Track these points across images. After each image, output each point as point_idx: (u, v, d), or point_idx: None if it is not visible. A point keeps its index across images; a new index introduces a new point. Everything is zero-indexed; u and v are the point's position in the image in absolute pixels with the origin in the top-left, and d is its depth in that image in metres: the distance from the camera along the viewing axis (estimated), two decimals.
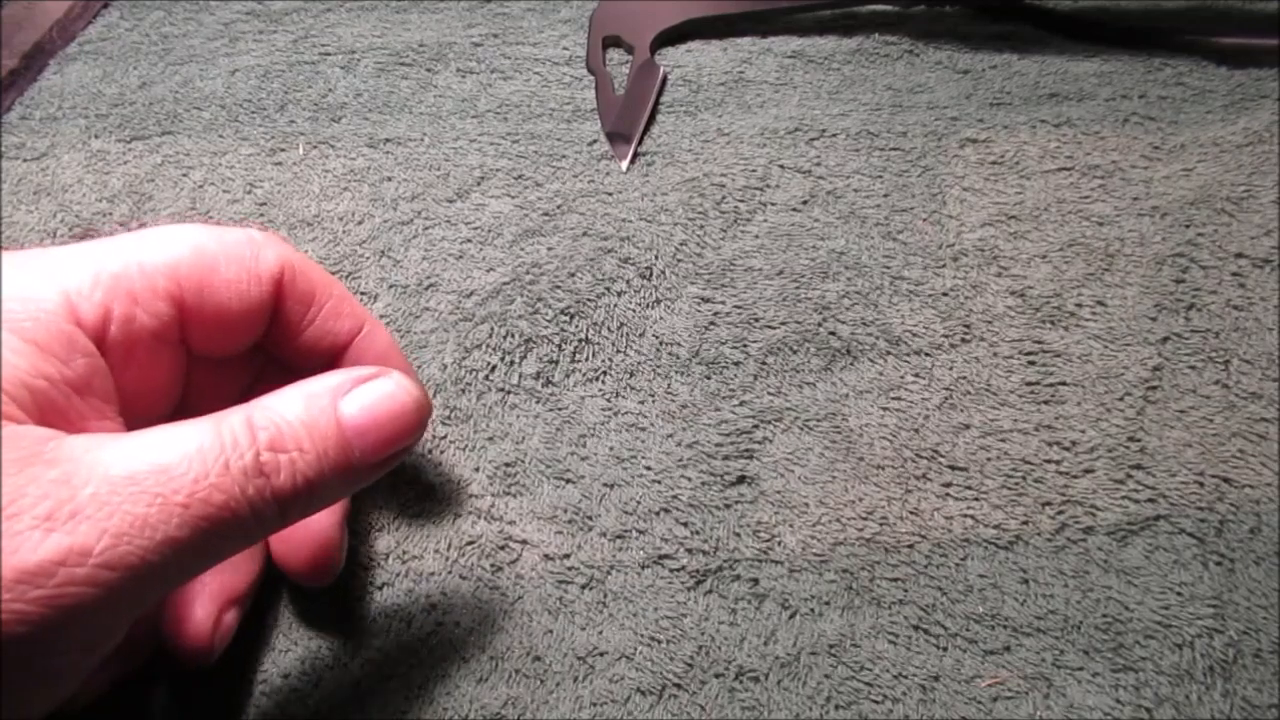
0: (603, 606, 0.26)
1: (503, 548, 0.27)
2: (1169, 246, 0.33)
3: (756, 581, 0.27)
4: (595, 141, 0.38)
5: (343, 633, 0.26)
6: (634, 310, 0.33)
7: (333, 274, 0.34)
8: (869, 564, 0.27)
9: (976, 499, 0.28)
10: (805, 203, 0.36)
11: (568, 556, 0.27)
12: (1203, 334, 0.31)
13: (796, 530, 0.28)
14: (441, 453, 0.29)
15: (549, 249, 0.34)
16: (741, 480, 0.28)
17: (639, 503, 0.28)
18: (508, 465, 0.29)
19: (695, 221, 0.35)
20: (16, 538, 0.16)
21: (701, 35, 0.43)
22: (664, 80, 0.40)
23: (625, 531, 0.28)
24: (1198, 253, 0.33)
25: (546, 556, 0.27)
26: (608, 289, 0.33)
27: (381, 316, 0.33)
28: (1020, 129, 0.38)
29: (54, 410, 0.19)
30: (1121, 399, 0.30)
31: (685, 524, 0.28)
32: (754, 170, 0.36)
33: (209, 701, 0.25)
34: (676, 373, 0.31)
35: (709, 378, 0.31)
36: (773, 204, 0.36)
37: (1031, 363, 0.31)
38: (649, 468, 0.29)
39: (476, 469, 0.29)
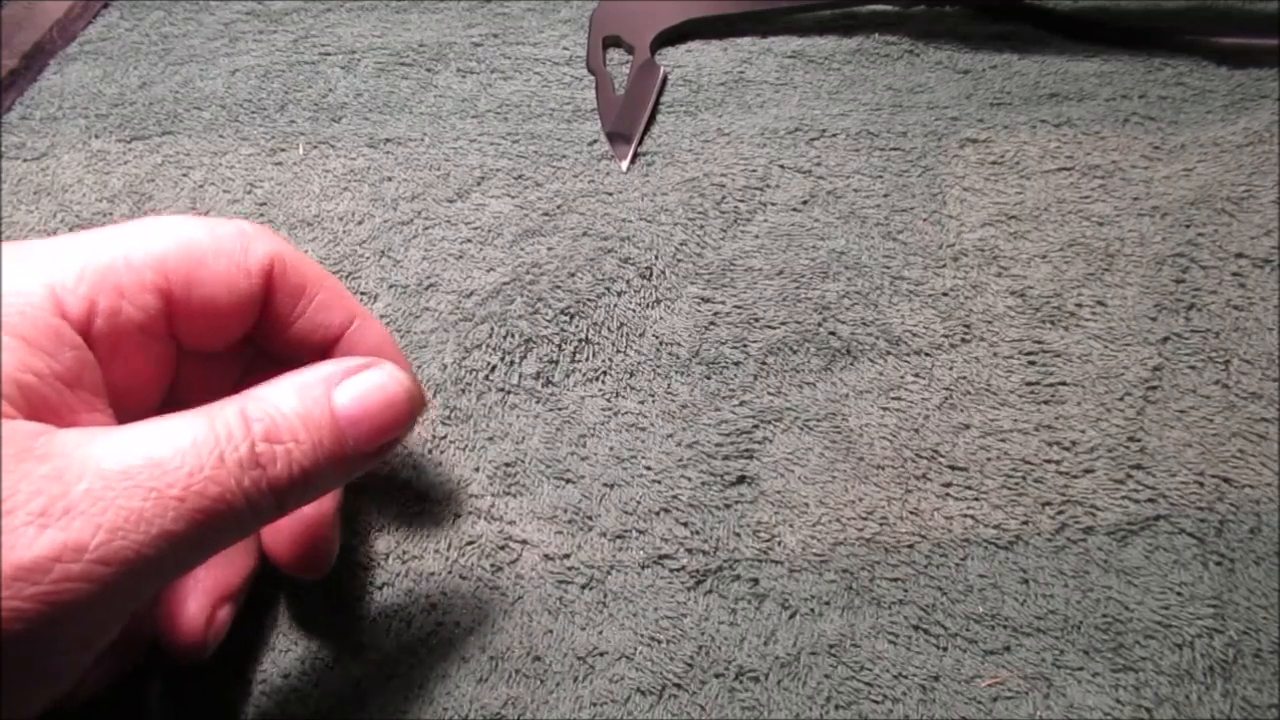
0: (603, 606, 0.26)
1: (503, 548, 0.27)
2: (1169, 246, 0.33)
3: (756, 581, 0.27)
4: (595, 141, 0.38)
5: (343, 633, 0.26)
6: (634, 310, 0.33)
7: (333, 273, 0.34)
8: (869, 564, 0.27)
9: (976, 499, 0.28)
10: (805, 203, 0.36)
11: (568, 556, 0.27)
12: (1203, 334, 0.31)
13: (796, 530, 0.28)
14: (441, 453, 0.29)
15: (549, 249, 0.34)
16: (741, 480, 0.28)
17: (639, 503, 0.28)
18: (508, 465, 0.29)
19: (695, 221, 0.35)
20: (11, 534, 0.16)
21: (701, 35, 0.43)
22: (664, 80, 0.40)
23: (625, 531, 0.28)
24: (1198, 253, 0.33)
25: (546, 556, 0.27)
26: (608, 289, 0.33)
27: (381, 316, 0.33)
28: (1020, 129, 0.38)
29: (44, 405, 0.19)
30: (1121, 399, 0.30)
31: (685, 524, 0.28)
32: (754, 170, 0.36)
33: (209, 701, 0.25)
34: (676, 373, 0.31)
35: (709, 378, 0.31)
36: (773, 204, 0.36)
37: (1031, 363, 0.31)
38: (649, 468, 0.29)
39: (476, 469, 0.29)
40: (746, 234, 0.35)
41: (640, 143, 0.38)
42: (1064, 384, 0.30)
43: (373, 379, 0.22)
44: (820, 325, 0.32)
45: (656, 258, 0.34)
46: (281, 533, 0.25)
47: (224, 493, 0.18)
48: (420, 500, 0.28)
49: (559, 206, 0.36)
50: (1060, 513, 0.28)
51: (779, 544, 0.27)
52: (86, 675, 0.21)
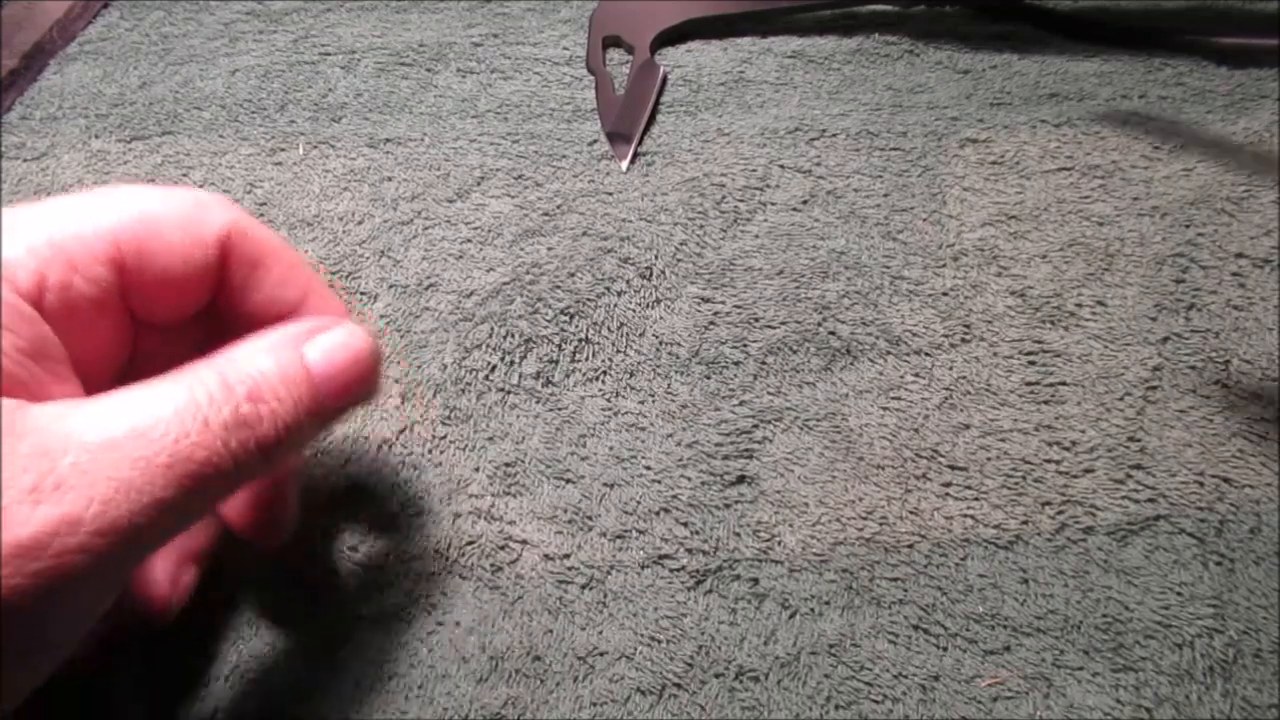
0: (603, 606, 0.26)
1: (503, 548, 0.27)
2: (1169, 246, 0.33)
3: (756, 581, 0.27)
4: (595, 141, 0.38)
5: (343, 632, 0.26)
6: (634, 310, 0.33)
7: (333, 274, 0.34)
8: (869, 564, 0.27)
9: (976, 499, 0.28)
10: (805, 203, 0.36)
11: (568, 556, 0.27)
12: (1203, 334, 0.31)
13: (796, 530, 0.28)
14: (441, 453, 0.29)
15: (549, 249, 0.34)
16: (741, 480, 0.28)
17: (639, 503, 0.28)
18: (508, 465, 0.29)
19: (695, 221, 0.35)
20: (5, 513, 0.16)
21: (701, 35, 0.43)
22: (664, 80, 0.40)
23: (625, 531, 0.28)
24: (1198, 253, 0.33)
25: (546, 556, 0.27)
26: (608, 289, 0.33)
27: (381, 316, 0.33)
28: (1020, 129, 0.38)
29: (13, 380, 0.18)
30: (1121, 399, 0.30)
31: (685, 524, 0.28)
32: (754, 170, 0.36)
33: (209, 701, 0.25)
34: (676, 373, 0.31)
35: (709, 378, 0.31)
36: (773, 204, 0.36)
37: (1031, 363, 0.31)
38: (649, 468, 0.29)
39: (476, 469, 0.29)
40: (746, 234, 0.35)
41: (640, 143, 0.38)
42: (1064, 384, 0.30)
43: (338, 336, 0.22)
44: (820, 325, 0.32)
45: (656, 258, 0.34)
46: (240, 500, 0.25)
47: (211, 455, 0.19)
48: (420, 500, 0.28)
49: (559, 206, 0.36)
50: (1060, 513, 0.28)
51: (779, 544, 0.27)
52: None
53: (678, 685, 0.25)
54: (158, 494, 0.18)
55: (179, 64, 0.42)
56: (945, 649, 0.25)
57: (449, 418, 0.30)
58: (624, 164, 0.37)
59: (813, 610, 0.26)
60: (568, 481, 0.29)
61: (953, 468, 0.29)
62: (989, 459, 0.29)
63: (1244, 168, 0.35)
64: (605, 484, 0.28)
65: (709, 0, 0.43)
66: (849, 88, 0.40)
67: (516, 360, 0.31)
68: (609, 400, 0.30)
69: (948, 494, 0.28)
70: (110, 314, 0.21)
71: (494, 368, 0.31)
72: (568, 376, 0.31)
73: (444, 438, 0.30)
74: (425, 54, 0.42)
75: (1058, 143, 0.37)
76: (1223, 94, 0.38)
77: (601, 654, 0.25)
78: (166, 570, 0.23)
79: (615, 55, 0.42)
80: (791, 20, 0.43)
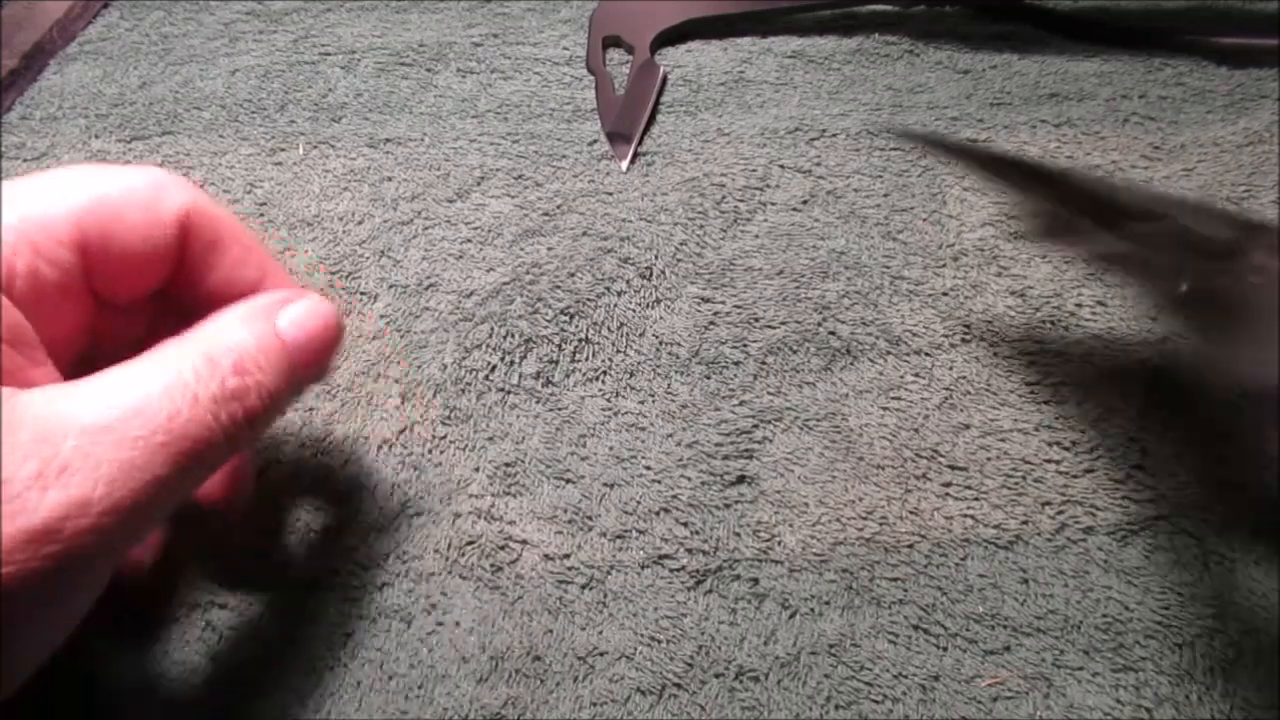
0: (603, 606, 0.26)
1: (503, 548, 0.27)
2: None
3: (756, 581, 0.27)
4: (595, 141, 0.38)
5: (343, 633, 0.26)
6: (634, 310, 0.33)
7: (333, 274, 0.34)
8: (869, 564, 0.27)
9: (976, 499, 0.28)
10: (805, 202, 0.36)
11: (568, 556, 0.27)
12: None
13: (796, 530, 0.28)
14: (441, 453, 0.29)
15: (549, 249, 0.34)
16: (741, 480, 0.28)
17: (639, 503, 0.28)
18: (508, 465, 0.29)
19: (695, 221, 0.35)
20: (16, 500, 0.17)
21: (701, 35, 0.43)
22: (664, 80, 0.40)
23: (625, 531, 0.28)
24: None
25: (546, 556, 0.27)
26: (608, 289, 0.33)
27: (381, 316, 0.33)
28: (1020, 129, 0.38)
29: None
30: (1122, 399, 0.30)
31: (685, 524, 0.28)
32: (754, 170, 0.36)
33: (208, 701, 0.25)
34: (676, 373, 0.31)
35: (709, 377, 0.31)
36: (773, 204, 0.36)
37: (1032, 363, 0.31)
38: (649, 468, 0.29)
39: (476, 469, 0.29)
40: (746, 234, 0.35)
41: (640, 143, 0.38)
42: (1064, 384, 0.30)
43: (306, 306, 0.23)
44: (820, 325, 0.32)
45: (656, 258, 0.34)
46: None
47: (204, 430, 0.19)
48: (420, 500, 0.28)
49: (559, 206, 0.36)
50: (1060, 513, 0.28)
51: (779, 544, 0.27)
52: None
53: (678, 685, 0.25)
54: (157, 471, 0.18)
55: (179, 64, 0.42)
56: (945, 649, 0.25)
57: (449, 418, 0.30)
58: (624, 164, 0.37)
59: (813, 610, 0.26)
60: (568, 481, 0.29)
61: (953, 468, 0.29)
62: (989, 459, 0.29)
63: (1244, 168, 0.35)
64: (605, 484, 0.28)
65: (709, 0, 0.43)
66: (849, 88, 0.40)
67: (516, 360, 0.31)
68: (609, 400, 0.30)
69: (948, 494, 0.28)
70: (74, 296, 0.22)
71: (494, 368, 0.31)
72: (568, 376, 0.31)
73: (444, 438, 0.30)
74: (425, 54, 0.42)
75: (1058, 143, 0.37)
76: (1223, 94, 0.38)
77: (601, 654, 0.25)
78: None
79: (615, 55, 0.42)
80: (791, 20, 0.43)
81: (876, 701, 0.24)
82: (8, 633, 0.18)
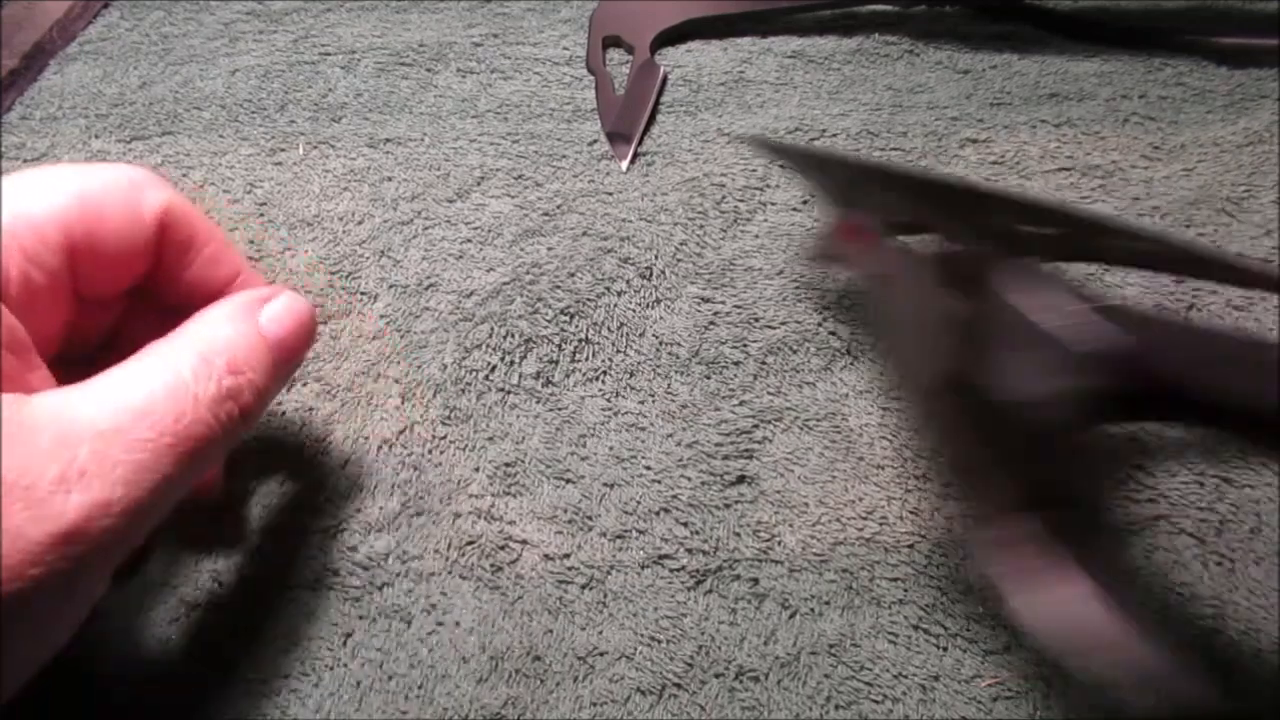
0: (603, 606, 0.26)
1: (503, 548, 0.27)
2: None
3: (756, 581, 0.27)
4: (595, 141, 0.38)
5: (343, 632, 0.26)
6: (634, 310, 0.33)
7: (333, 274, 0.34)
8: (869, 564, 0.27)
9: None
10: (805, 202, 0.36)
11: (568, 556, 0.27)
12: None
13: (796, 530, 0.28)
14: (441, 453, 0.29)
15: (549, 249, 0.34)
16: (741, 480, 0.28)
17: (639, 503, 0.28)
18: (508, 465, 0.29)
19: (695, 221, 0.35)
20: (42, 504, 0.17)
21: (701, 35, 0.43)
22: (664, 80, 0.40)
23: (625, 531, 0.28)
24: None
25: (546, 556, 0.27)
26: (608, 289, 0.33)
27: (381, 316, 0.33)
28: (1020, 129, 0.38)
29: (4, 377, 0.19)
30: None
31: (685, 524, 0.28)
32: (754, 170, 0.36)
33: (207, 701, 0.25)
34: (676, 373, 0.31)
35: (709, 377, 0.31)
36: (773, 204, 0.36)
37: None
38: (649, 468, 0.29)
39: (476, 469, 0.29)
40: (746, 234, 0.35)
41: (640, 143, 0.38)
42: None
43: (284, 302, 0.24)
44: (820, 325, 0.32)
45: (656, 258, 0.34)
46: None
47: (205, 429, 0.20)
48: (420, 500, 0.28)
49: (559, 206, 0.36)
50: None
51: (779, 544, 0.27)
52: None
53: (678, 685, 0.25)
54: (166, 471, 0.19)
55: (179, 64, 0.42)
56: (945, 649, 0.25)
57: (449, 418, 0.30)
58: (624, 164, 0.37)
59: (813, 610, 0.26)
60: (568, 481, 0.29)
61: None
62: None
63: (1244, 168, 0.35)
64: (605, 484, 0.28)
65: (709, 0, 0.43)
66: (849, 88, 0.40)
67: (516, 360, 0.31)
68: (609, 400, 0.30)
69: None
70: (59, 295, 0.22)
71: (494, 368, 0.31)
72: (568, 376, 0.31)
73: (444, 438, 0.30)
74: (425, 54, 0.42)
75: (1058, 143, 0.37)
76: (1223, 94, 0.38)
77: (601, 654, 0.25)
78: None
79: (615, 55, 0.42)
80: (791, 20, 0.43)
81: (876, 701, 0.24)
82: (31, 631, 0.18)
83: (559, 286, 0.33)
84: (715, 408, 0.30)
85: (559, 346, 0.32)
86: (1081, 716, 0.24)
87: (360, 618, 0.26)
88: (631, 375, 0.31)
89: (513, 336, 0.32)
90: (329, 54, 0.42)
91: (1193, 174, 0.35)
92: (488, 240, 0.35)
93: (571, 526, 0.28)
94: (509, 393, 0.31)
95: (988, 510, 0.18)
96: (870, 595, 0.26)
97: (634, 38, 0.42)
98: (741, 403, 0.30)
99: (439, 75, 0.41)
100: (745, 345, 0.31)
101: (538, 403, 0.30)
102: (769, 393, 0.30)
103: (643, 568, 0.27)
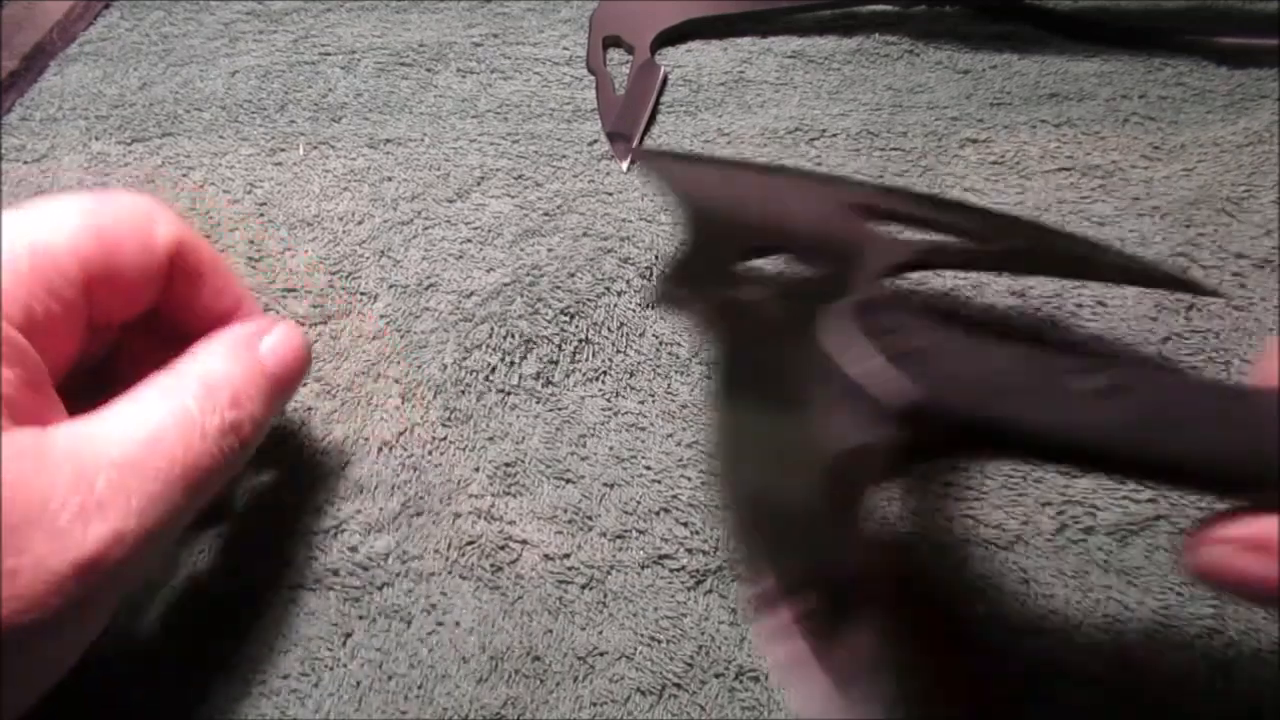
0: (603, 606, 0.26)
1: (503, 548, 0.27)
2: (1169, 246, 0.33)
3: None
4: (595, 141, 0.38)
5: (343, 632, 0.26)
6: (634, 310, 0.33)
7: (333, 274, 0.34)
8: (868, 564, 0.27)
9: (977, 499, 0.28)
10: None
11: (568, 556, 0.27)
12: (1203, 334, 0.31)
13: None
14: (441, 453, 0.29)
15: (549, 249, 0.34)
16: None
17: (639, 503, 0.28)
18: (508, 465, 0.29)
19: None
20: (64, 536, 0.18)
21: (702, 35, 0.43)
22: (664, 80, 0.40)
23: (625, 531, 0.28)
24: (1198, 253, 0.33)
25: (546, 556, 0.27)
26: (608, 289, 0.33)
27: (381, 316, 0.33)
28: (1020, 129, 0.38)
29: (22, 411, 0.20)
30: None
31: (685, 524, 0.28)
32: None
33: (207, 702, 0.25)
34: (676, 373, 0.31)
35: (709, 377, 0.31)
36: None
37: None
38: (649, 468, 0.29)
39: (476, 469, 0.29)
40: None
41: (640, 143, 0.38)
42: None
43: (281, 335, 0.25)
44: None
45: (656, 258, 0.34)
46: None
47: (211, 461, 0.21)
48: (420, 500, 0.28)
49: (559, 206, 0.36)
50: (1060, 513, 0.28)
51: None
52: None
53: (678, 685, 0.25)
54: (177, 501, 0.20)
55: (179, 65, 0.42)
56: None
57: (449, 418, 0.30)
58: (624, 164, 0.37)
59: None
60: (568, 481, 0.29)
61: (954, 468, 0.29)
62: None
63: (1244, 168, 0.35)
64: (605, 484, 0.28)
65: (709, 0, 0.43)
66: (849, 88, 0.40)
67: (517, 360, 0.31)
68: (609, 400, 0.30)
69: (948, 494, 0.28)
70: (75, 325, 0.23)
71: (494, 368, 0.31)
72: (568, 376, 0.31)
73: (444, 438, 0.30)
74: (425, 54, 0.42)
75: (1058, 143, 0.37)
76: (1223, 94, 0.38)
77: (601, 654, 0.25)
78: None
79: (615, 55, 0.42)
80: (791, 20, 0.43)
81: None
82: (46, 654, 0.19)
83: (559, 286, 0.33)
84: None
85: (559, 346, 0.32)
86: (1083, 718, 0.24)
87: (360, 618, 0.26)
88: (631, 375, 0.31)
89: (513, 336, 0.32)
90: (329, 54, 0.42)
91: (1193, 174, 0.35)
92: (488, 240, 0.35)
93: (571, 526, 0.28)
94: (509, 393, 0.31)
95: (768, 591, 0.18)
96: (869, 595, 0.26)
97: (634, 38, 0.42)
98: None
99: (439, 75, 0.41)
100: None
101: (538, 403, 0.30)
102: None
103: (643, 568, 0.27)
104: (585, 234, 0.35)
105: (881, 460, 0.20)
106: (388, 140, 0.38)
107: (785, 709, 0.24)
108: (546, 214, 0.35)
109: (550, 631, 0.26)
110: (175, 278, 0.24)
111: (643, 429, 0.30)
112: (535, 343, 0.32)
